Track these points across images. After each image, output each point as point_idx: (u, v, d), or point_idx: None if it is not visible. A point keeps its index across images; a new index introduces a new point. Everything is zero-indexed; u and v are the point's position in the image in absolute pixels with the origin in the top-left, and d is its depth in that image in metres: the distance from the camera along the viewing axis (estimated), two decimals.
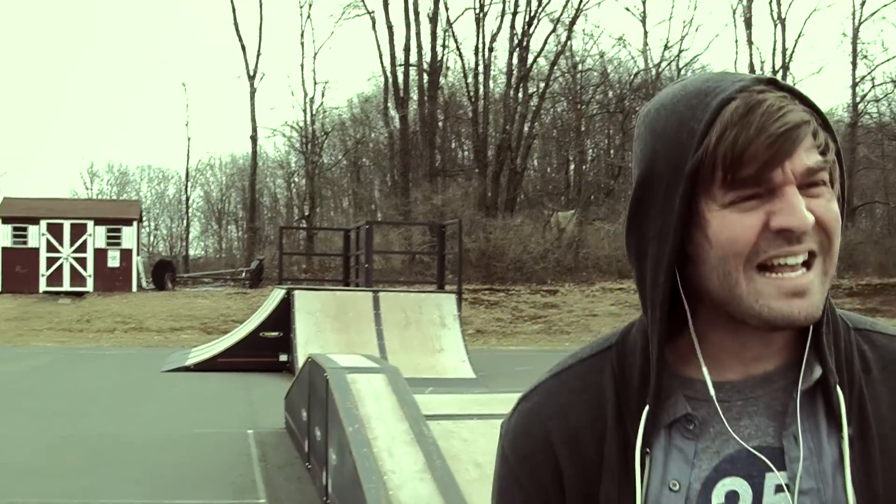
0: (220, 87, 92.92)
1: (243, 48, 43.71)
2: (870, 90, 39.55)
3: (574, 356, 1.36)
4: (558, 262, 35.88)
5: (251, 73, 43.41)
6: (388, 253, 34.48)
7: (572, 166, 48.34)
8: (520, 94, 42.44)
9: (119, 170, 71.36)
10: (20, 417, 12.84)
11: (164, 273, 37.14)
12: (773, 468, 1.20)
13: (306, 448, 9.49)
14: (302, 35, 44.77)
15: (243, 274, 39.57)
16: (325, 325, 18.33)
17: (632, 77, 45.55)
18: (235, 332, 21.13)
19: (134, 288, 35.14)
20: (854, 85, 39.53)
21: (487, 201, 40.64)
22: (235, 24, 43.97)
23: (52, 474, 9.28)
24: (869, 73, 39.49)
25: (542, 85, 43.20)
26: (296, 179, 59.14)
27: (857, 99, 39.50)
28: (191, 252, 59.80)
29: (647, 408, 1.23)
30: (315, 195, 45.33)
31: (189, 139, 72.95)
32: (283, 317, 19.03)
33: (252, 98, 43.52)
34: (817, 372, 1.22)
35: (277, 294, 20.12)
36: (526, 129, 42.87)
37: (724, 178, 1.16)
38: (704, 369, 1.22)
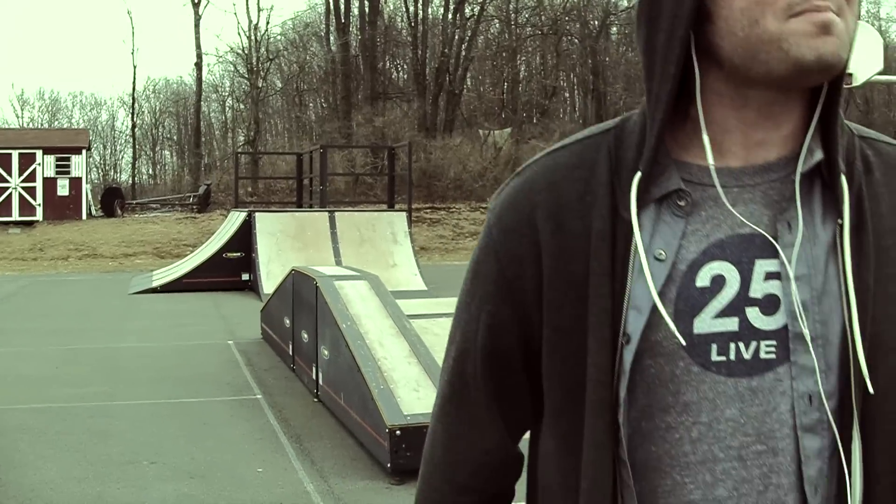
0: (159, 12, 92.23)
1: None
2: None
3: (573, 137, 1.35)
4: (496, 179, 37.14)
5: (195, 1, 43.81)
6: (341, 175, 35.50)
7: (507, 86, 49.47)
8: (457, 18, 43.36)
9: (50, 96, 71.03)
10: (17, 337, 13.94)
11: (114, 200, 37.81)
12: (763, 255, 1.20)
13: (290, 351, 10.76)
14: None
15: (191, 199, 40.38)
16: (285, 244, 19.54)
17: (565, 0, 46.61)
18: (198, 253, 22.20)
19: (84, 216, 35.78)
20: None
21: (427, 122, 41.72)
22: None
23: (65, 383, 10.44)
24: None
25: (477, 9, 44.16)
26: (230, 103, 59.69)
27: None
28: (124, 178, 60.22)
29: (638, 173, 1.22)
30: (259, 120, 46.05)
31: (135, 67, 72.57)
32: (244, 238, 20.22)
33: (197, 25, 43.98)
34: (818, 155, 1.21)
35: (237, 216, 21.25)
36: (463, 52, 43.87)
37: None
38: (707, 143, 1.20)
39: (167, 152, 67.93)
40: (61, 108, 69.65)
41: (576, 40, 47.88)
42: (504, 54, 47.67)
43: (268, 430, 8.24)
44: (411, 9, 44.85)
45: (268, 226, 19.95)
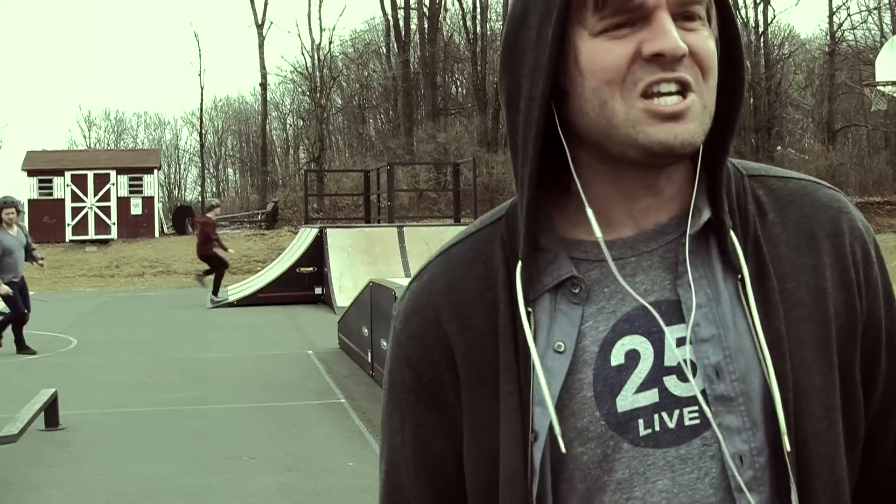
0: (222, 33, 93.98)
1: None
2: (846, 19, 41.25)
3: (464, 231, 1.33)
4: None
5: (259, 23, 44.96)
6: (406, 191, 36.17)
7: None
8: None
9: (116, 117, 72.50)
10: (107, 348, 14.78)
11: (185, 218, 38.80)
12: (671, 321, 1.18)
13: (369, 358, 11.43)
14: None
15: (259, 216, 41.35)
16: (355, 259, 20.29)
17: None
18: (272, 268, 23.02)
19: (156, 234, 36.88)
20: (831, 15, 41.20)
21: (488, 137, 42.37)
22: None
23: (160, 389, 11.19)
24: (844, 3, 41.17)
25: None
26: (290, 121, 60.71)
27: (835, 28, 41.18)
28: (188, 196, 61.38)
29: (519, 263, 1.21)
30: (323, 138, 47.01)
31: (202, 88, 74.25)
32: (316, 253, 21.06)
33: (261, 46, 45.10)
34: (706, 214, 1.20)
35: (308, 233, 22.08)
36: None
37: (596, 4, 1.14)
38: (591, 215, 1.18)
39: (230, 170, 69.20)
40: (126, 128, 71.14)
41: None
42: None
43: (354, 431, 8.90)
44: (469, 25, 45.55)
45: (339, 241, 20.73)
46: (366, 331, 11.71)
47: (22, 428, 7.44)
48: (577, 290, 1.19)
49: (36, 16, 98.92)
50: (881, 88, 12.98)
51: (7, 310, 13.81)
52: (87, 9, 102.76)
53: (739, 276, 1.18)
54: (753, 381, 1.17)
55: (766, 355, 1.16)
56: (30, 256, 13.93)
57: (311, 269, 21.14)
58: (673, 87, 1.13)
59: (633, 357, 1.18)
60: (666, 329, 1.17)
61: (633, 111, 1.13)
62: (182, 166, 69.41)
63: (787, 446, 1.15)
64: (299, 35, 61.76)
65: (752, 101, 43.00)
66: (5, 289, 13.17)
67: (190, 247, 34.39)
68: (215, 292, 21.26)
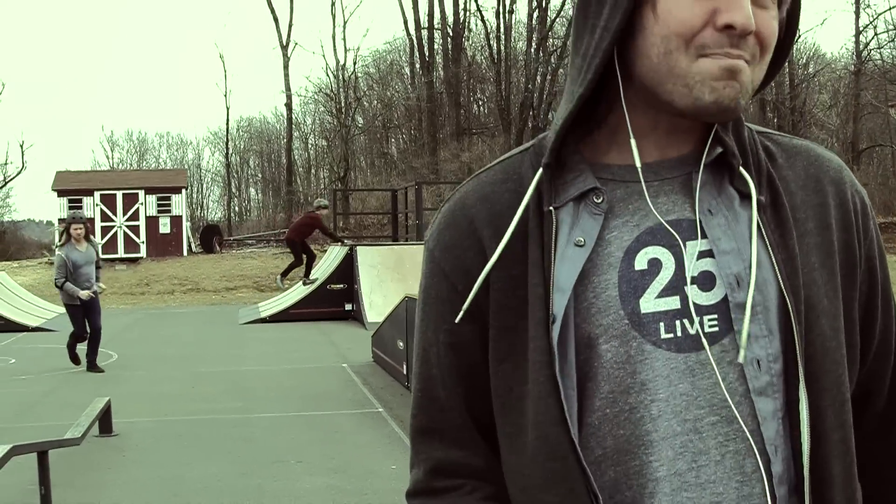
0: (246, 54, 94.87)
1: (276, 20, 45.92)
2: (872, 38, 41.49)
3: (494, 161, 1.41)
4: None
5: (284, 44, 45.62)
6: (430, 210, 36.53)
7: None
8: (540, 53, 44.54)
9: (138, 137, 73.28)
10: (147, 362, 15.23)
11: (212, 237, 39.40)
12: (691, 237, 1.27)
13: (405, 371, 11.83)
14: (333, 6, 46.68)
15: (285, 235, 41.82)
16: (385, 276, 20.73)
17: None
18: (302, 285, 23.47)
19: (184, 252, 37.39)
20: (857, 34, 41.46)
21: None
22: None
23: (202, 400, 11.62)
24: (871, 22, 41.39)
25: (559, 43, 45.26)
26: (312, 140, 61.32)
27: (861, 47, 41.44)
28: (212, 216, 62.02)
29: (540, 168, 1.30)
30: (348, 157, 47.56)
31: (228, 109, 75.22)
32: (346, 270, 21.53)
33: (286, 67, 45.74)
34: (719, 148, 1.30)
35: (338, 251, 22.56)
36: (547, 87, 44.98)
37: None
38: (634, 145, 1.28)
39: (252, 189, 69.86)
40: (149, 148, 71.92)
41: None
42: None
43: (394, 437, 9.29)
44: (493, 45, 46.07)
45: (368, 258, 21.19)
46: (401, 344, 12.11)
47: (84, 432, 7.85)
48: (599, 200, 1.29)
49: (61, 38, 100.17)
50: None
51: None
52: (110, 31, 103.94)
53: (756, 199, 1.28)
54: (770, 292, 1.25)
55: (778, 270, 1.26)
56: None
57: (342, 285, 21.60)
58: (736, 51, 1.22)
59: (655, 265, 1.27)
60: (687, 242, 1.27)
61: (696, 65, 1.22)
62: (205, 186, 70.23)
63: (800, 357, 1.24)
64: (324, 55, 62.42)
65: (776, 120, 43.27)
66: (86, 293, 13.44)
67: (218, 265, 34.99)
68: (284, 274, 22.98)
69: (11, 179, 52.38)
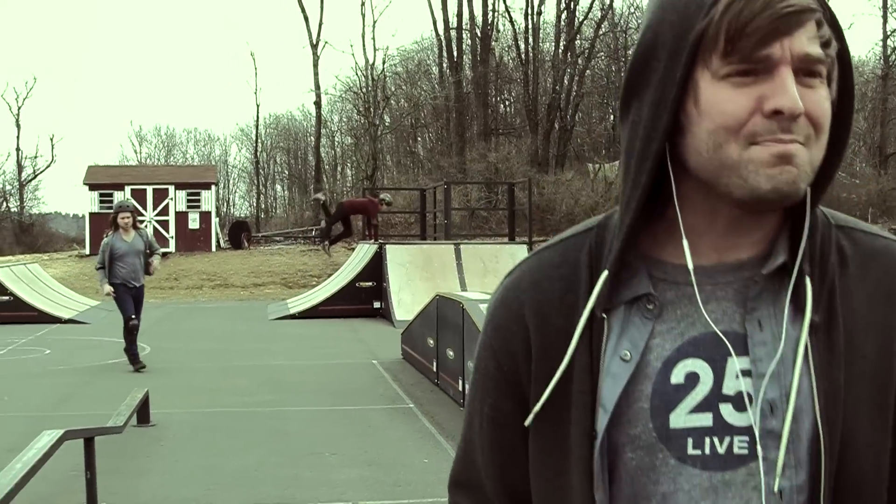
0: (275, 52, 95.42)
1: (306, 19, 46.27)
2: None
3: (557, 237, 1.41)
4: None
5: (314, 43, 45.95)
6: (458, 210, 36.82)
7: (612, 119, 50.45)
8: (568, 55, 44.68)
9: (166, 133, 73.74)
10: (179, 355, 15.52)
11: (241, 233, 39.59)
12: (735, 353, 1.23)
13: (434, 368, 12.04)
14: (363, 5, 46.96)
15: (314, 232, 42.15)
16: (414, 274, 20.96)
17: None
18: (332, 282, 23.79)
19: (213, 248, 37.67)
20: (885, 38, 41.38)
21: (539, 158, 42.92)
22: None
23: (236, 393, 11.86)
24: None
25: (586, 45, 45.43)
26: (338, 138, 61.67)
27: (889, 52, 41.37)
28: (237, 213, 62.41)
29: (605, 273, 1.28)
30: (376, 156, 47.84)
31: (258, 106, 75.67)
32: (375, 268, 21.81)
33: (315, 66, 46.07)
34: (781, 258, 1.24)
35: (367, 249, 22.84)
36: (574, 88, 45.13)
37: (725, 49, 1.18)
38: (686, 247, 1.25)
39: (278, 186, 70.23)
40: (176, 143, 72.34)
41: None
42: (612, 89, 48.70)
43: (425, 432, 9.50)
44: (521, 46, 46.26)
45: (398, 257, 21.43)
46: (431, 342, 12.32)
47: (125, 421, 8.09)
48: (651, 307, 1.27)
49: (91, 34, 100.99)
50: None
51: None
52: (139, 27, 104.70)
53: (809, 320, 1.23)
54: (804, 422, 1.21)
55: (817, 400, 1.21)
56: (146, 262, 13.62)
57: (371, 283, 21.86)
58: (788, 136, 1.19)
59: (692, 379, 1.24)
60: (728, 359, 1.23)
61: (747, 154, 1.19)
62: (231, 182, 70.66)
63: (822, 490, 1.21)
64: (353, 54, 62.75)
65: None
66: (108, 288, 13.22)
67: (246, 261, 35.31)
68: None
69: (41, 172, 52.99)
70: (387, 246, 22.12)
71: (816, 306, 1.23)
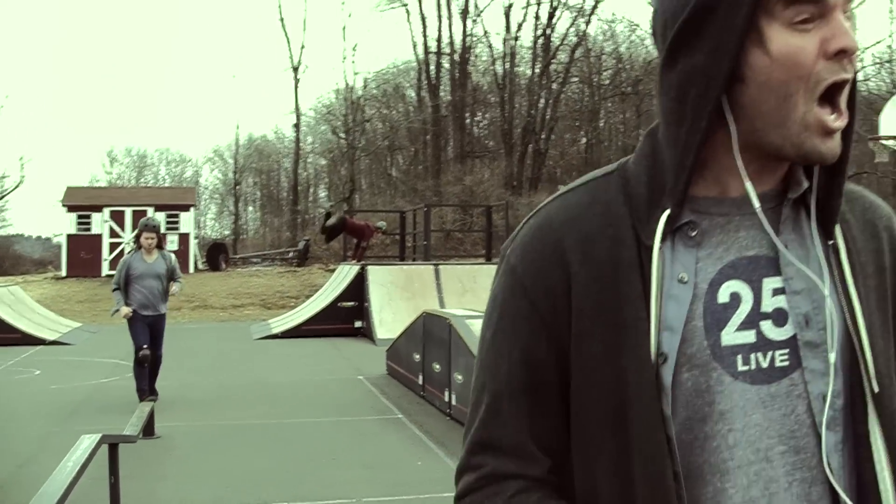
0: (256, 75, 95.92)
1: (288, 41, 47.21)
2: (860, 69, 42.06)
3: (574, 183, 1.42)
4: None
5: (295, 66, 46.77)
6: (438, 231, 37.47)
7: (584, 142, 51.30)
8: (543, 79, 45.61)
9: (137, 153, 73.71)
10: (172, 372, 15.98)
11: (218, 254, 39.96)
12: (769, 274, 1.31)
13: (420, 381, 12.71)
14: (344, 30, 47.91)
15: (290, 254, 42.68)
16: (395, 294, 21.66)
17: (648, 62, 48.54)
18: (313, 302, 24.38)
19: (191, 269, 37.96)
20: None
21: (513, 180, 43.71)
22: (281, 20, 47.26)
23: (235, 407, 12.46)
24: (858, 55, 42.07)
25: (561, 69, 46.39)
26: (311, 159, 62.12)
27: None
28: (209, 233, 62.50)
29: (667, 210, 1.31)
30: (354, 178, 48.52)
31: (238, 127, 76.01)
32: (357, 289, 22.46)
33: (296, 89, 46.90)
34: (805, 184, 1.34)
35: (348, 269, 23.51)
36: (549, 112, 46.04)
37: None
38: (748, 184, 1.30)
39: (251, 208, 70.40)
40: (148, 164, 72.15)
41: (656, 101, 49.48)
42: (587, 113, 49.61)
43: (415, 439, 10.15)
44: (499, 70, 47.14)
45: (379, 277, 22.14)
46: (417, 356, 12.99)
47: (139, 431, 8.67)
48: (693, 234, 1.32)
49: (64, 53, 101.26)
50: (884, 143, 14.29)
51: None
52: (112, 46, 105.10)
53: (831, 242, 1.35)
54: (836, 332, 1.31)
55: (856, 307, 1.33)
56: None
57: (353, 303, 22.50)
58: (843, 102, 1.29)
59: (735, 298, 1.31)
60: (764, 279, 1.32)
61: (811, 114, 1.26)
62: (202, 203, 70.72)
63: (875, 387, 1.32)
64: (337, 86, 63.34)
65: None
66: (125, 310, 12.24)
67: (225, 282, 35.73)
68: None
69: (9, 193, 52.62)
70: (369, 267, 22.83)
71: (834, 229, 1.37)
